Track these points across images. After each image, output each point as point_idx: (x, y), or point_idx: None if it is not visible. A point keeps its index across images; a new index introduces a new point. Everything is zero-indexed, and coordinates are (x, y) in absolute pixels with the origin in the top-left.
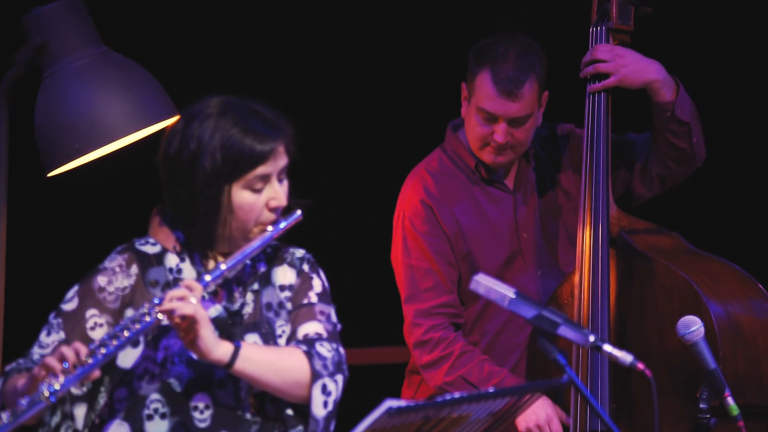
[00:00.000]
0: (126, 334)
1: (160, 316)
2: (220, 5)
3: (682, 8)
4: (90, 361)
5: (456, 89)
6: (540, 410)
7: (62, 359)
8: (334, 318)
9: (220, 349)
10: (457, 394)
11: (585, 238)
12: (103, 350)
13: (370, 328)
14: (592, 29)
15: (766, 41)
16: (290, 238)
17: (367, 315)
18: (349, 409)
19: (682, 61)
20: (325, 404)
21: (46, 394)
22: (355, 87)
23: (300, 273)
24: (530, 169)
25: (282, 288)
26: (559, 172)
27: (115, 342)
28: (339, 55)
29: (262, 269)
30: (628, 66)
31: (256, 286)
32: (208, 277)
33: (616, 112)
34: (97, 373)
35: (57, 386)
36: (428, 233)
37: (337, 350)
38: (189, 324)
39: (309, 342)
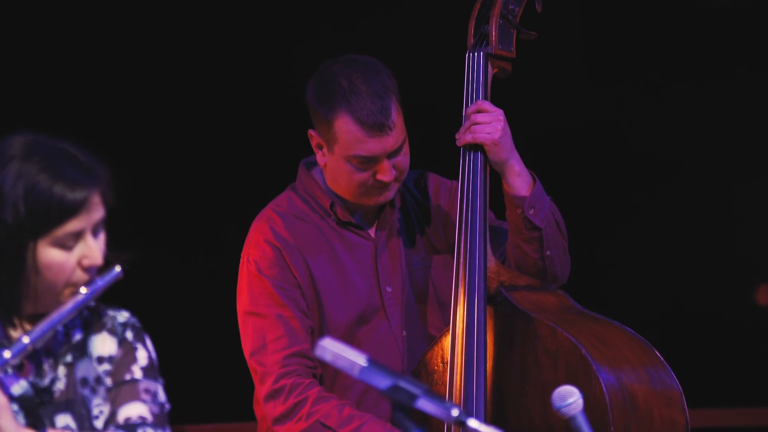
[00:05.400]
0: None
1: None
2: (29, 32)
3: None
4: None
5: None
6: None
7: None
8: (161, 397)
9: None
10: None
11: (459, 296)
12: None
13: (211, 402)
14: (469, 54)
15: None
16: (111, 297)
17: (205, 388)
18: None
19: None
20: None
21: None
22: (185, 126)
23: (122, 342)
24: (395, 212)
25: (100, 360)
26: (427, 224)
27: None
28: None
29: (78, 337)
30: (506, 136)
31: (69, 358)
32: (7, 353)
33: None
34: None
35: None
36: (277, 277)
37: None
38: None
39: (131, 428)
